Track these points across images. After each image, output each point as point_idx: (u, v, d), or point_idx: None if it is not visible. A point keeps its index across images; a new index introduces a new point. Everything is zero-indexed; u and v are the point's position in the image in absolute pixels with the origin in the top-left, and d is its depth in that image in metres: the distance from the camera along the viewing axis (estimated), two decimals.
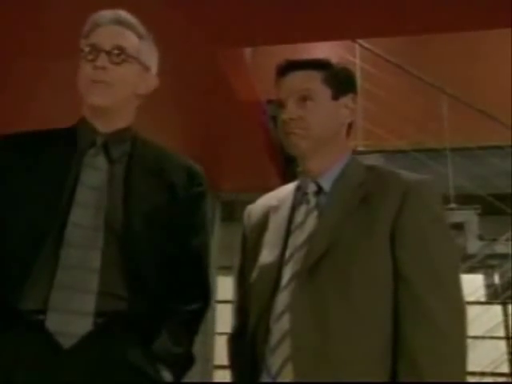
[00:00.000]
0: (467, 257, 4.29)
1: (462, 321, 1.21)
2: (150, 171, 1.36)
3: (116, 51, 1.33)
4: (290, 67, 1.39)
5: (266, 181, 5.16)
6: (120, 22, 1.37)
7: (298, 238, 1.32)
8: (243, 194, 5.18)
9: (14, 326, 1.19)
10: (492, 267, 4.70)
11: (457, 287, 1.24)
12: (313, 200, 1.35)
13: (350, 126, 1.43)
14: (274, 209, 1.42)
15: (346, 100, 1.40)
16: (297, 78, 1.38)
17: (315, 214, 1.33)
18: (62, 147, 1.34)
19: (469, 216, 4.42)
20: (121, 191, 1.31)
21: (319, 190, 1.36)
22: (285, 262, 1.30)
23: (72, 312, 1.18)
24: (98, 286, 1.21)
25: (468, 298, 4.22)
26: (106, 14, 1.38)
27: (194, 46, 3.00)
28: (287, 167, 5.04)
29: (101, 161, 1.33)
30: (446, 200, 4.52)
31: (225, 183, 5.01)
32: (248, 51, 3.94)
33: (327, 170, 1.37)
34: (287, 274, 1.28)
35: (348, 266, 1.22)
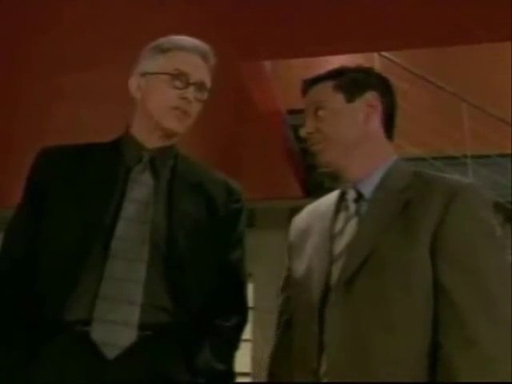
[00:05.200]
0: None
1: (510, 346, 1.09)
2: (191, 186, 1.39)
3: (201, 88, 1.38)
4: (308, 85, 1.40)
5: (286, 189, 5.20)
6: (202, 54, 1.40)
7: (338, 246, 1.29)
8: (263, 202, 5.22)
9: (59, 336, 1.21)
10: None
11: (508, 307, 1.11)
12: (352, 207, 1.31)
13: (387, 126, 1.38)
14: (319, 216, 1.40)
15: (364, 99, 1.35)
16: (311, 94, 1.39)
17: (354, 221, 1.29)
18: (108, 161, 1.37)
19: None
20: (164, 206, 1.34)
21: (359, 197, 1.31)
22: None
23: (116, 323, 1.21)
24: (142, 298, 1.23)
25: None
26: (189, 40, 1.40)
27: (216, 60, 3.05)
28: (309, 176, 5.07)
29: (147, 176, 1.36)
30: None
31: (245, 192, 5.05)
32: (268, 62, 3.99)
33: (367, 175, 1.32)
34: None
35: (384, 280, 1.18)
